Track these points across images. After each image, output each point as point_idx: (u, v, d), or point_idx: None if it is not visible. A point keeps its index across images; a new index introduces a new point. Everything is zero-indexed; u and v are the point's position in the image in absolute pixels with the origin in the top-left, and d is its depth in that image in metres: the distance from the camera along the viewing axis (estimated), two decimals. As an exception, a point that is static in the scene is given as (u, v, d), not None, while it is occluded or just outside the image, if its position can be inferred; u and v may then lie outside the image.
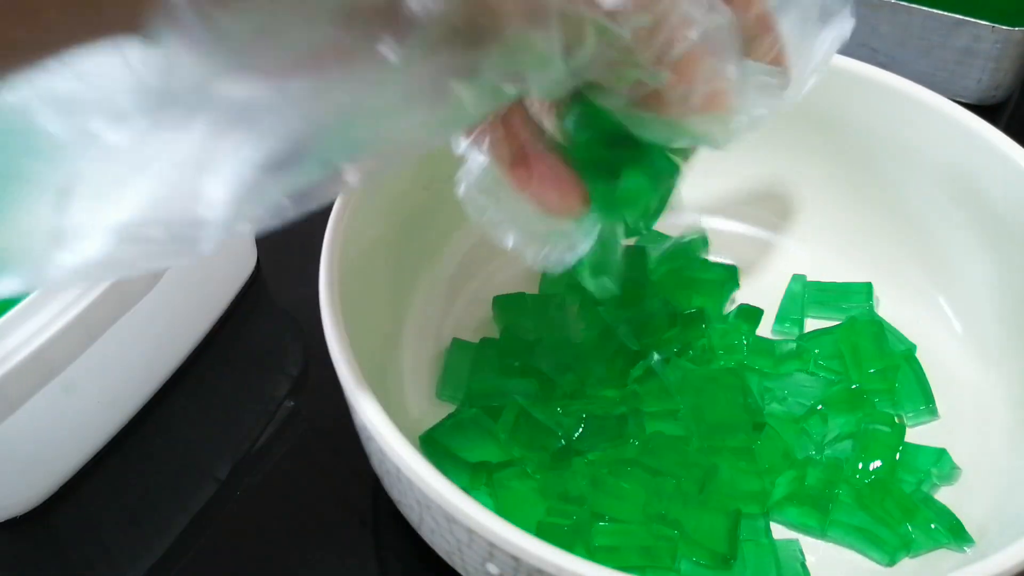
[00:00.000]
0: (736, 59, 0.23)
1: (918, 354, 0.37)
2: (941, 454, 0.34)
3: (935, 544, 0.32)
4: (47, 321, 0.30)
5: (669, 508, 0.31)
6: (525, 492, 0.32)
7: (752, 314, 0.38)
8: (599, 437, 0.33)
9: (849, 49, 0.51)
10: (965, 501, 0.33)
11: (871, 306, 0.39)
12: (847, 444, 0.34)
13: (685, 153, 0.28)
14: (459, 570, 0.29)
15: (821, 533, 0.33)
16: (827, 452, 0.35)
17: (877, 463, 0.33)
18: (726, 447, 0.33)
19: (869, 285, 0.39)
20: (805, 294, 0.39)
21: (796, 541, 0.32)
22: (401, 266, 0.38)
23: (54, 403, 0.32)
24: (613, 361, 0.36)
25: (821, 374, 0.37)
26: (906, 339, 0.38)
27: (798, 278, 0.40)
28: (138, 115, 0.19)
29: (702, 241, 0.41)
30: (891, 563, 0.32)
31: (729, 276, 0.40)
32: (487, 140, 0.26)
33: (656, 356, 0.35)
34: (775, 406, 0.36)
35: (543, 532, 0.31)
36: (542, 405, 0.34)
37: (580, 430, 0.33)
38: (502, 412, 0.34)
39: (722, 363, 0.36)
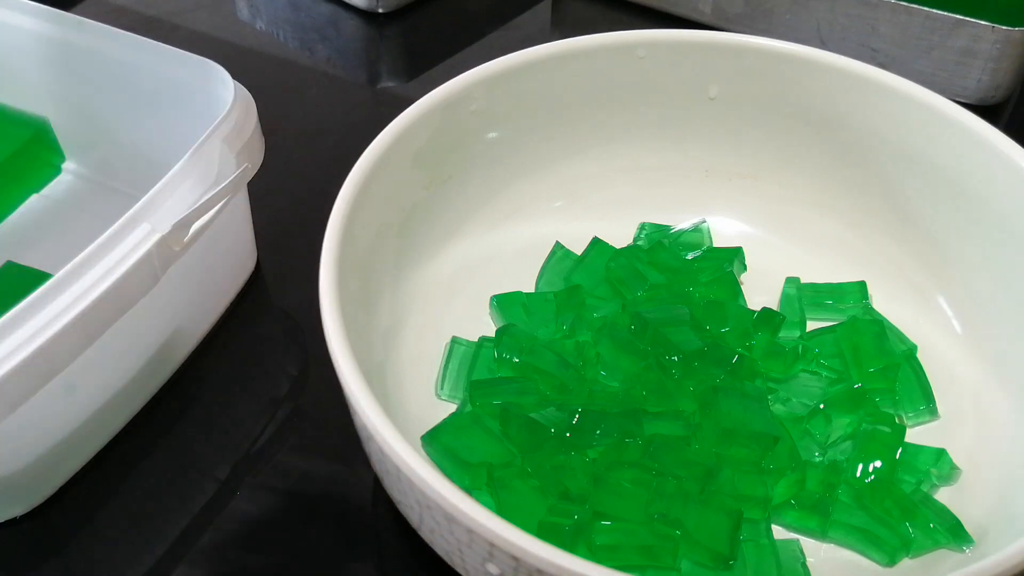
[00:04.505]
0: None
1: (918, 354, 0.37)
2: (941, 454, 0.34)
3: (935, 544, 0.32)
4: (47, 321, 0.30)
5: (670, 507, 0.31)
6: (526, 492, 0.32)
7: (772, 318, 0.38)
8: (595, 433, 0.33)
9: (849, 49, 0.51)
10: (965, 501, 0.33)
11: (868, 305, 0.39)
12: (847, 445, 0.34)
13: None
14: (459, 570, 0.29)
15: (822, 535, 0.33)
16: (828, 453, 0.35)
17: (877, 463, 0.33)
18: (735, 456, 0.33)
19: (863, 284, 0.39)
20: (801, 296, 0.39)
21: (796, 541, 0.32)
22: (401, 266, 0.38)
23: (54, 403, 0.32)
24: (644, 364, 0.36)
25: (824, 373, 0.37)
26: (907, 339, 0.38)
27: (792, 281, 0.40)
28: None
29: (705, 230, 0.42)
30: (891, 563, 0.32)
31: (736, 257, 0.40)
32: None
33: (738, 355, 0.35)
34: (779, 407, 0.36)
35: (544, 531, 0.31)
36: (536, 402, 0.34)
37: (575, 424, 0.33)
38: (501, 411, 0.34)
39: (760, 369, 0.36)
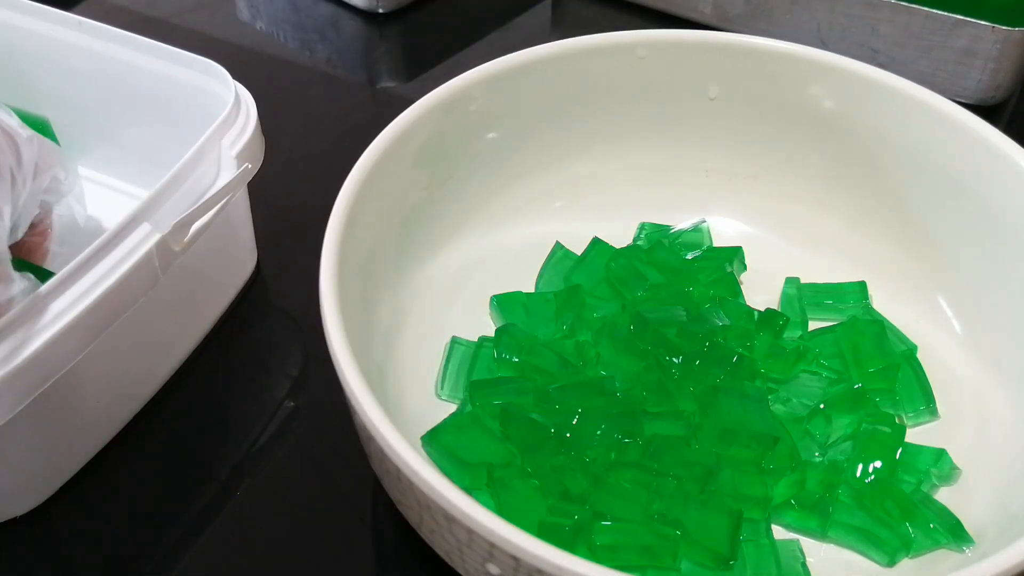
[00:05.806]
0: None
1: (918, 354, 0.37)
2: (941, 454, 0.34)
3: (935, 544, 0.32)
4: (47, 321, 0.30)
5: (670, 507, 0.31)
6: (526, 492, 0.32)
7: (775, 320, 0.37)
8: (595, 433, 0.33)
9: (849, 49, 0.51)
10: (965, 501, 0.33)
11: (868, 305, 0.39)
12: (847, 445, 0.34)
13: None
14: (459, 570, 0.29)
15: (822, 535, 0.33)
16: (828, 453, 0.35)
17: (877, 463, 0.33)
18: (735, 456, 0.33)
19: (863, 284, 0.39)
20: (801, 296, 0.39)
21: (796, 541, 0.32)
22: (401, 266, 0.38)
23: (54, 403, 0.32)
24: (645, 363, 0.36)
25: (824, 373, 0.37)
26: (907, 339, 0.38)
27: (792, 281, 0.40)
28: None
29: (705, 229, 0.42)
30: (891, 563, 0.32)
31: (736, 257, 0.40)
32: None
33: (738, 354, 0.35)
34: (779, 407, 0.36)
35: (544, 532, 0.31)
36: (535, 401, 0.34)
37: (575, 424, 0.33)
38: (501, 411, 0.34)
39: (761, 369, 0.36)
